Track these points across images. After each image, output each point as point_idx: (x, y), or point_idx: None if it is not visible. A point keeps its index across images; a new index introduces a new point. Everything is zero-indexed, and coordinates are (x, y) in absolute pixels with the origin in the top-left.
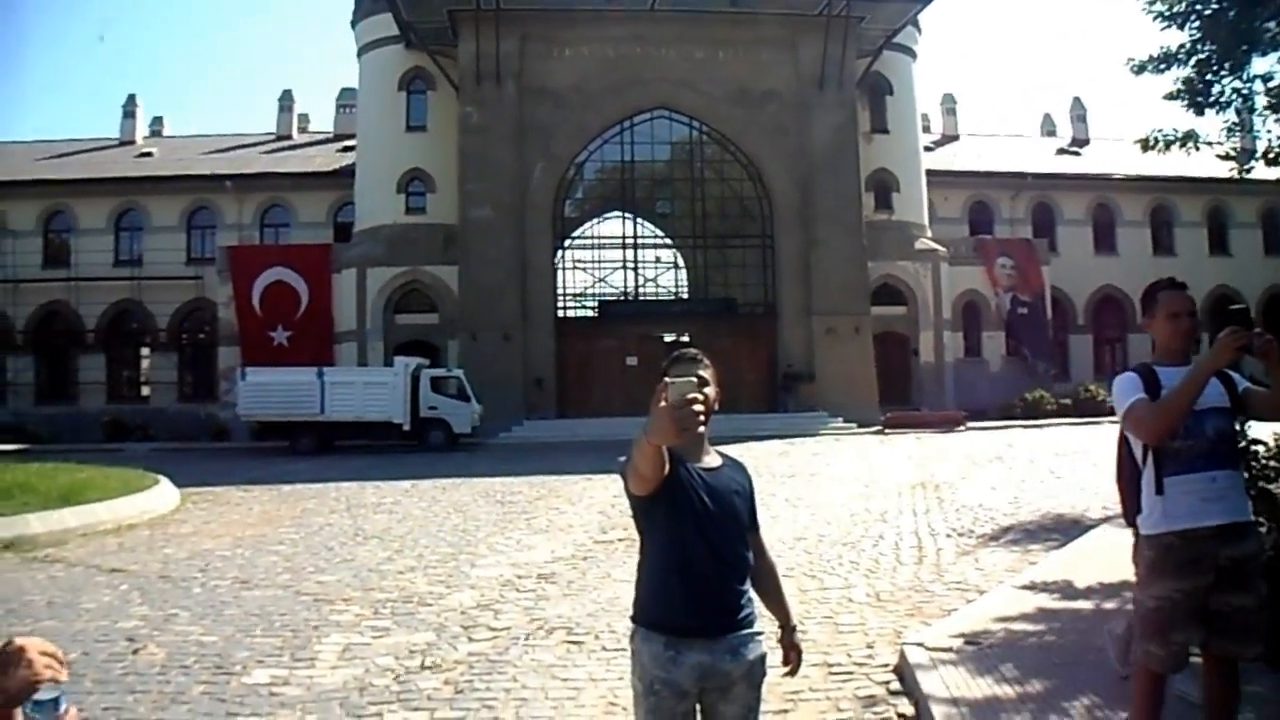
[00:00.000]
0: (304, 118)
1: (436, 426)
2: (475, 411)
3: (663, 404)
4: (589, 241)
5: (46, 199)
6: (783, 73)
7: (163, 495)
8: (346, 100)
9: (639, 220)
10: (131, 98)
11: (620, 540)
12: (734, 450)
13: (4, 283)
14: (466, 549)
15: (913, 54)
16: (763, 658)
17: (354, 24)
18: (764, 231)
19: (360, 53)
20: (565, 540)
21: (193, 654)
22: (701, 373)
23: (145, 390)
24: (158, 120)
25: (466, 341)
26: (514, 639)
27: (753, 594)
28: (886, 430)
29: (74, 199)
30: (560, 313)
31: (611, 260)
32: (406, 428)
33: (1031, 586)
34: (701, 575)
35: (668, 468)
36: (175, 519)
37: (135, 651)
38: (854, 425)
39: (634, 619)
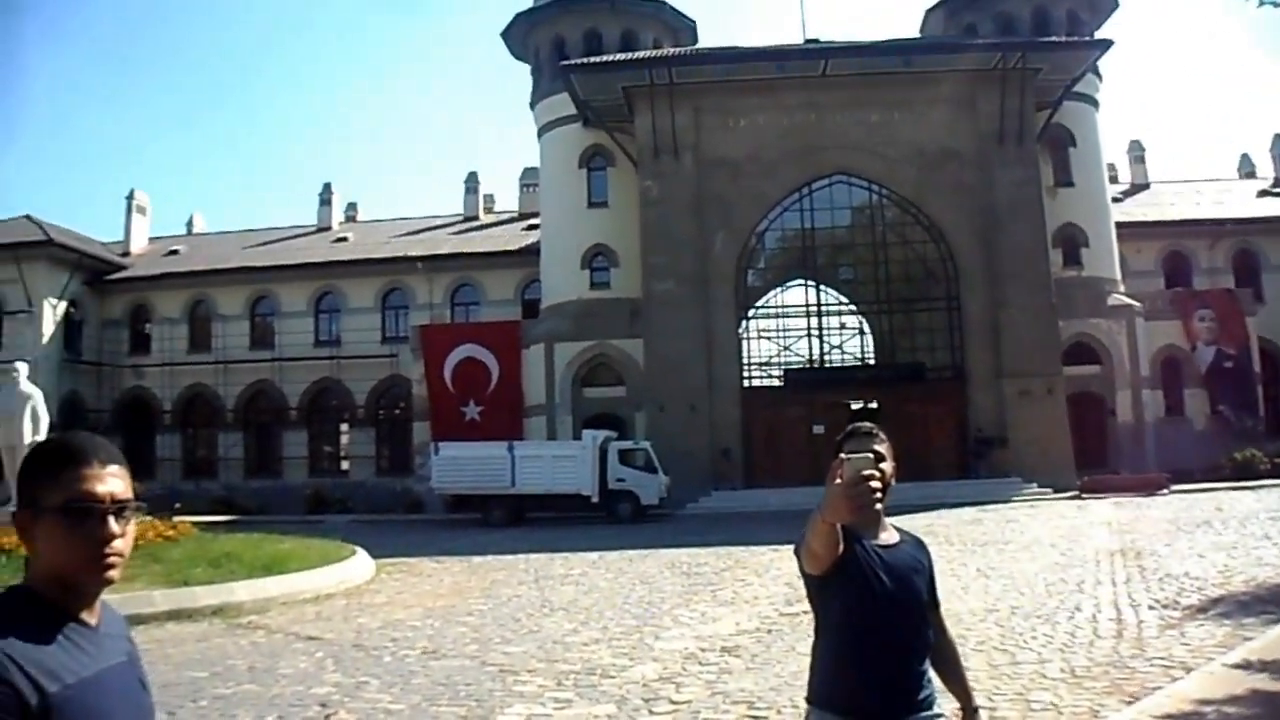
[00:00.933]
0: (489, 198)
1: (624, 498)
2: (662, 483)
3: (837, 482)
4: (773, 310)
5: (252, 284)
6: (960, 130)
7: (359, 566)
8: (530, 179)
9: (822, 287)
10: (327, 186)
11: (806, 613)
12: (924, 518)
13: (216, 364)
14: (651, 621)
15: (1095, 103)
16: None
17: (533, 105)
18: (949, 293)
19: (540, 133)
20: (751, 613)
21: None
22: (877, 448)
23: (345, 464)
24: (352, 206)
25: (653, 413)
26: (694, 713)
27: (932, 674)
28: (1083, 495)
29: (277, 284)
30: (746, 382)
31: (796, 328)
32: (595, 499)
33: (1246, 665)
34: (878, 655)
35: (842, 546)
36: (370, 589)
37: (327, 718)
38: (1049, 490)
39: (809, 699)
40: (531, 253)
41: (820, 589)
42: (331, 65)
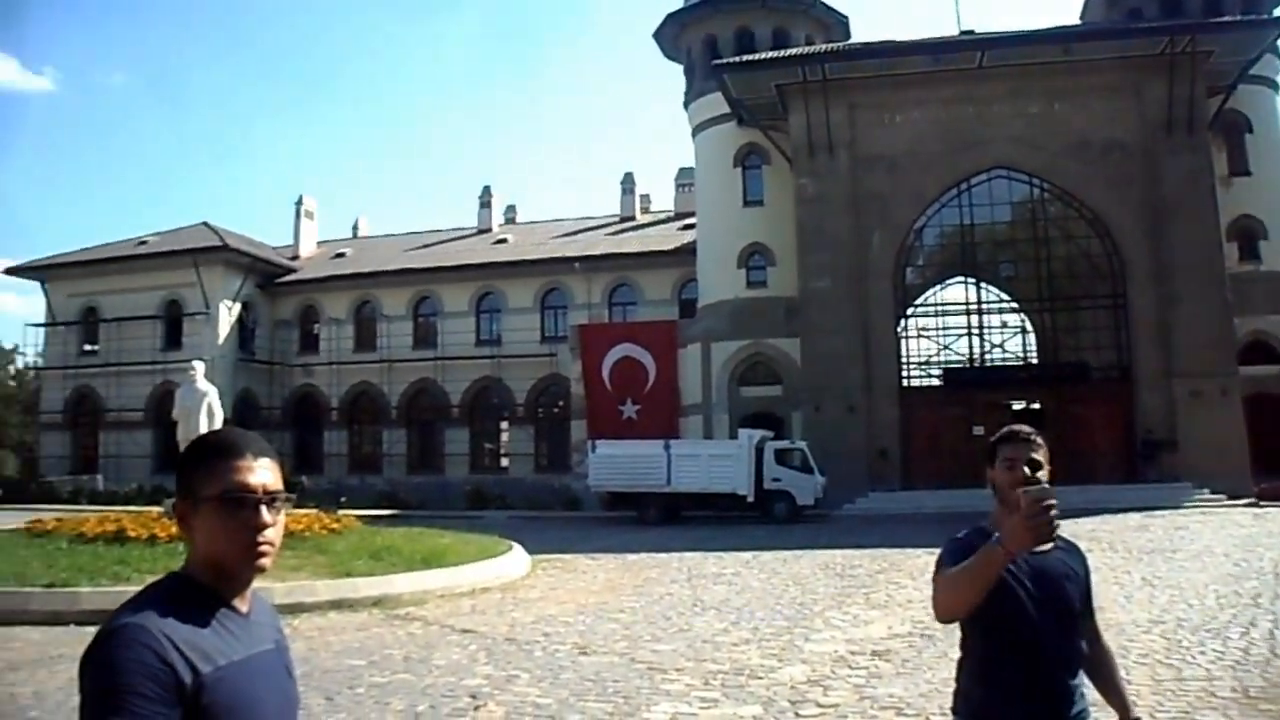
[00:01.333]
0: (645, 198)
1: (780, 498)
2: (819, 483)
3: (1018, 513)
4: (931, 308)
5: (415, 286)
6: (1125, 120)
7: (515, 561)
8: (685, 179)
9: (982, 284)
10: (487, 189)
11: None
12: (1087, 523)
13: (381, 362)
14: (802, 622)
15: (1275, 85)
16: None
17: (687, 105)
18: (1115, 290)
19: (695, 132)
20: (904, 616)
21: (528, 714)
22: (1036, 455)
23: (504, 461)
24: (511, 208)
25: (810, 413)
26: (841, 717)
27: (1086, 687)
28: (1260, 502)
29: (439, 285)
30: (904, 382)
31: (955, 326)
32: (750, 499)
33: None
34: (1026, 666)
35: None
36: (525, 584)
37: (476, 708)
38: (1222, 497)
39: (953, 709)
40: (688, 252)
41: None
42: (489, 70)
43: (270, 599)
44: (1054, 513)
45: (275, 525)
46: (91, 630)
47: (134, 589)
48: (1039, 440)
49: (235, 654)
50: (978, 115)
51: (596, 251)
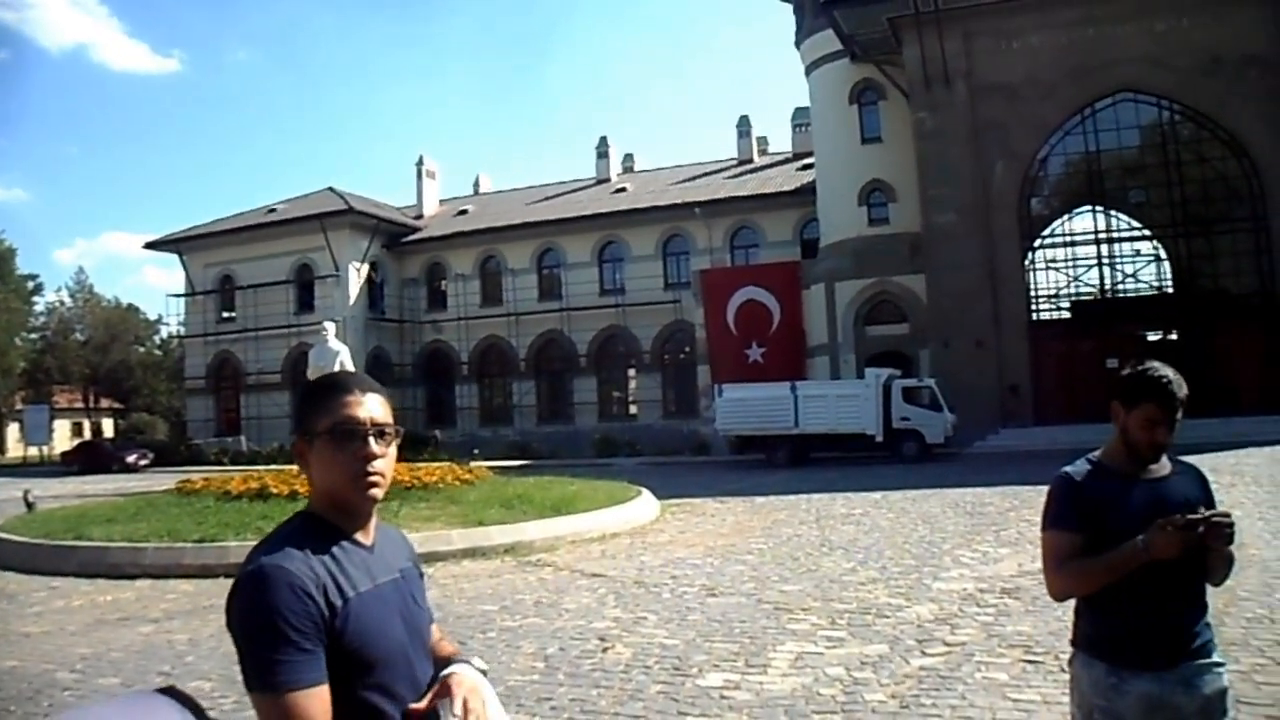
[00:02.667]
0: (763, 140)
1: (909, 437)
2: (948, 421)
3: (1174, 529)
4: (1059, 239)
5: (538, 238)
6: (1265, 32)
7: (644, 506)
8: (801, 119)
9: (1112, 213)
10: (604, 139)
11: None
12: (1229, 456)
13: (507, 316)
14: (930, 561)
15: None
16: (1223, 693)
17: (798, 44)
18: (1255, 213)
19: (808, 71)
20: (1034, 554)
21: (655, 655)
22: (1178, 413)
23: (633, 408)
24: (629, 157)
25: (937, 350)
26: (968, 655)
27: (1212, 619)
28: None
29: (561, 236)
30: (1033, 316)
31: (1085, 257)
32: (879, 439)
33: None
34: (1148, 597)
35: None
36: (654, 529)
37: (605, 650)
38: None
39: (1073, 642)
40: (808, 192)
41: None
42: (600, 20)
43: None
44: (1228, 531)
45: (385, 456)
46: None
47: None
48: (1181, 389)
49: (361, 585)
50: (1100, 37)
51: (716, 196)
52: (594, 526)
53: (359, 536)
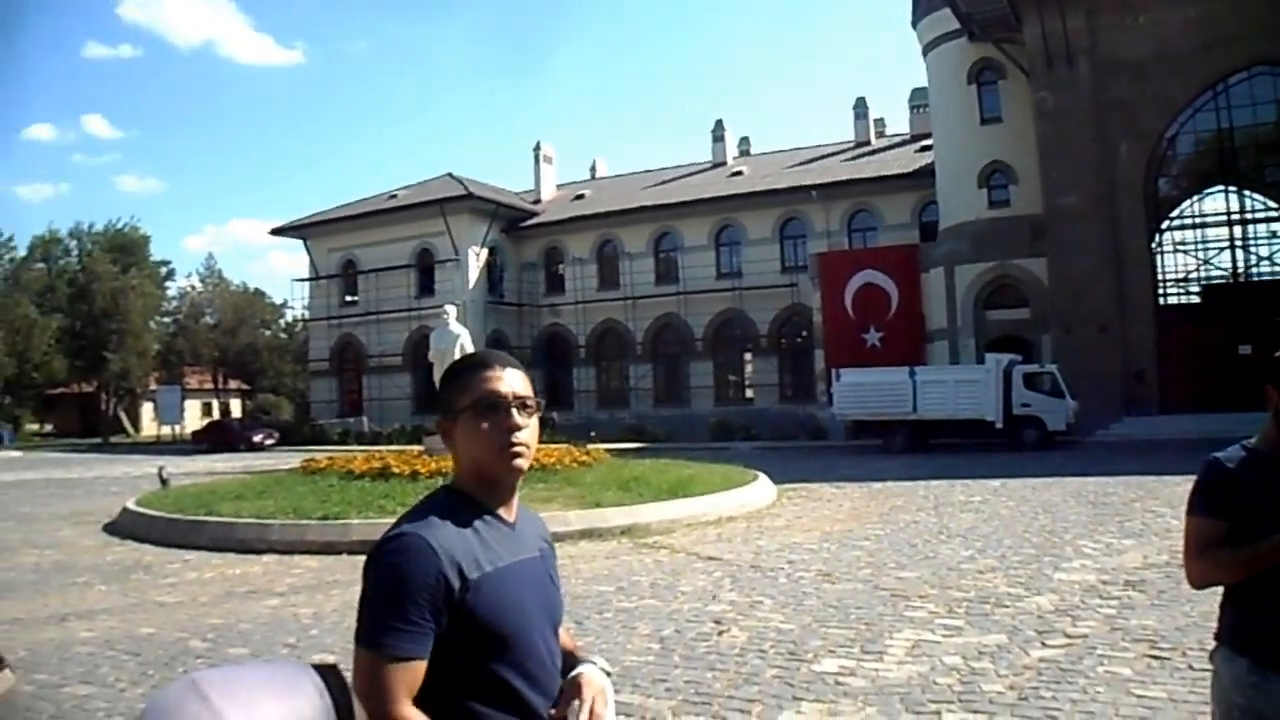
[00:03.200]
0: (879, 122)
1: (1029, 424)
2: (1070, 408)
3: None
4: (1188, 221)
5: (655, 222)
6: None
7: (761, 490)
8: (919, 100)
9: (1245, 193)
10: (719, 123)
11: None
12: None
13: (624, 299)
14: (1051, 550)
15: None
16: None
17: (914, 24)
18: None
19: (925, 51)
20: (1160, 546)
21: (770, 639)
22: None
23: (749, 392)
24: (745, 140)
25: (1059, 335)
26: (1090, 648)
27: None
28: None
29: (678, 220)
30: (1160, 300)
31: (1216, 239)
32: (999, 425)
33: None
34: None
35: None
36: (770, 513)
37: (720, 633)
38: None
39: (1217, 636)
40: (926, 174)
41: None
42: (715, 2)
43: None
44: None
45: (527, 428)
46: (360, 559)
47: None
48: None
49: (500, 560)
50: (1233, 9)
51: (833, 179)
52: (710, 510)
53: (501, 512)
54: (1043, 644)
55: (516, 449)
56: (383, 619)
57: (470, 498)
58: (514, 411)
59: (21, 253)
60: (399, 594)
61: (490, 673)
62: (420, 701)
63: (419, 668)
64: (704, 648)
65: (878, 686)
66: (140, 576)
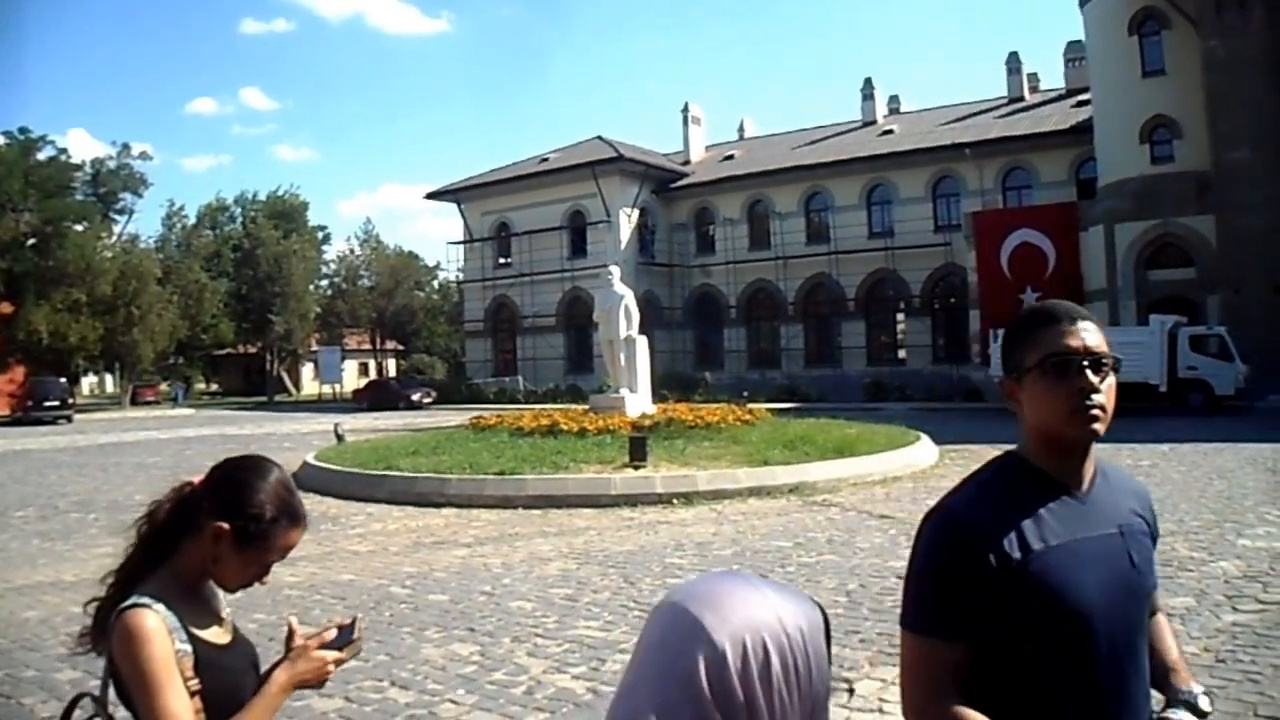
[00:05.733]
0: (1033, 77)
1: (1195, 388)
2: (1239, 372)
3: None
4: None
5: (805, 182)
6: None
7: (923, 451)
8: (1074, 54)
9: None
10: (868, 81)
11: None
12: None
13: (775, 259)
14: (1231, 517)
15: None
16: None
17: None
18: None
19: (1082, 3)
20: None
21: None
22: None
23: (901, 353)
24: (894, 99)
25: (1228, 296)
26: None
27: None
28: None
29: (828, 180)
30: None
31: None
32: (1163, 389)
33: None
34: None
35: None
36: (935, 473)
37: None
38: None
39: None
40: (1084, 130)
41: None
42: None
43: (695, 485)
44: None
45: (1103, 390)
46: (536, 513)
47: (571, 477)
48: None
49: (1058, 537)
50: None
51: (986, 136)
52: (876, 469)
53: (1070, 483)
54: (1234, 609)
55: (1092, 411)
56: (915, 596)
57: (1033, 466)
58: (1087, 370)
59: (191, 221)
60: (931, 574)
61: (1040, 663)
62: (972, 700)
63: (955, 655)
64: (890, 602)
65: None
66: (329, 527)
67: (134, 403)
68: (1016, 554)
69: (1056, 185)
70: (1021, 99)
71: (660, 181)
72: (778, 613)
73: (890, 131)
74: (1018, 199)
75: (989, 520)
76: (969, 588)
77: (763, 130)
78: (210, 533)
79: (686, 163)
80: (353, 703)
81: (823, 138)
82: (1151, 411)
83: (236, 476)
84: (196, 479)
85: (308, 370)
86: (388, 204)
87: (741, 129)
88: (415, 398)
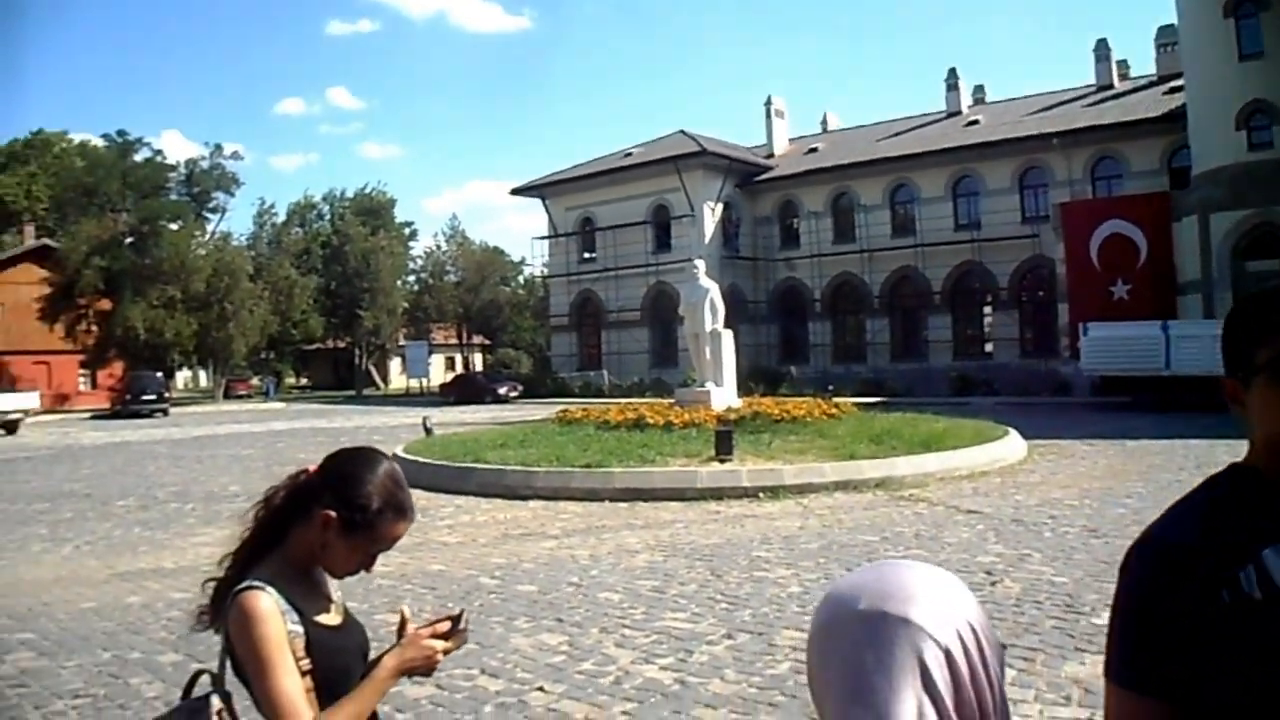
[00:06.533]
0: (1123, 64)
1: None
2: None
3: None
4: None
5: (890, 174)
6: None
7: (1011, 446)
8: (1166, 39)
9: None
10: (953, 71)
11: None
12: None
13: (860, 252)
14: None
15: None
16: None
17: None
18: None
19: None
20: None
21: (1044, 591)
22: None
23: (988, 346)
24: (979, 88)
25: None
26: None
27: None
28: None
29: (913, 171)
30: None
31: None
32: None
33: None
34: None
35: None
36: (1023, 468)
37: (993, 584)
38: None
39: None
40: (1176, 117)
41: None
42: None
43: (781, 479)
44: None
45: None
46: (622, 506)
47: (657, 470)
48: None
49: None
50: None
51: (1074, 125)
52: (963, 464)
53: None
54: None
55: None
56: (1119, 647)
57: (1265, 480)
58: None
59: (281, 218)
60: (1124, 606)
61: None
62: None
63: (1147, 707)
64: (979, 597)
65: None
66: (418, 519)
67: (227, 397)
68: (1256, 592)
69: (1148, 174)
70: (1110, 87)
71: (744, 175)
72: (965, 599)
73: (976, 122)
74: (1107, 189)
75: (1215, 548)
76: (1188, 633)
77: (846, 123)
78: (319, 520)
79: (770, 156)
80: (444, 690)
81: (907, 129)
82: None
83: (347, 467)
84: (311, 468)
85: (395, 365)
86: (473, 200)
87: (825, 121)
88: (501, 391)
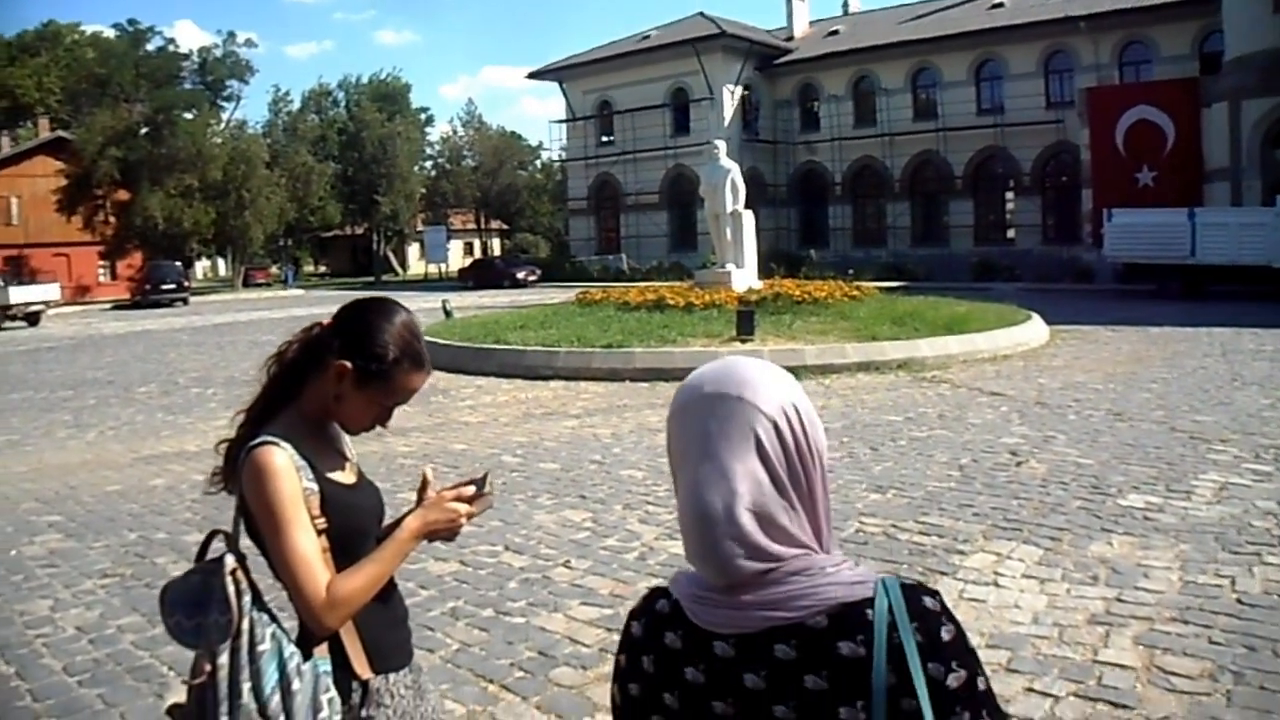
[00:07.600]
0: None
1: None
2: None
3: None
4: None
5: (912, 57)
6: None
7: (1034, 330)
8: None
9: None
10: None
11: None
12: None
13: (881, 136)
14: None
15: None
16: None
17: None
18: None
19: None
20: None
21: (1070, 473)
22: None
23: (1010, 232)
24: None
25: None
26: None
27: None
28: None
29: (936, 55)
30: None
31: None
32: None
33: None
34: None
35: None
36: (1046, 352)
37: (1018, 464)
38: None
39: None
40: (1208, 0)
41: None
42: None
43: (802, 359)
44: None
45: None
46: (643, 386)
47: (678, 350)
48: None
49: None
50: None
51: (1103, 9)
52: (986, 347)
53: None
54: None
55: None
56: None
57: None
58: None
59: (296, 106)
60: None
61: None
62: None
63: None
64: (1004, 477)
65: (1189, 525)
66: (439, 399)
67: (246, 285)
68: None
69: (1178, 60)
70: None
71: (763, 58)
72: (790, 385)
73: (1000, 4)
74: (1135, 75)
75: None
76: None
77: (867, 5)
78: (334, 371)
79: (790, 39)
80: (468, 566)
81: (930, 12)
82: (1273, 296)
83: (362, 317)
84: (325, 320)
85: (414, 250)
86: (489, 86)
87: (846, 4)
88: (520, 275)
